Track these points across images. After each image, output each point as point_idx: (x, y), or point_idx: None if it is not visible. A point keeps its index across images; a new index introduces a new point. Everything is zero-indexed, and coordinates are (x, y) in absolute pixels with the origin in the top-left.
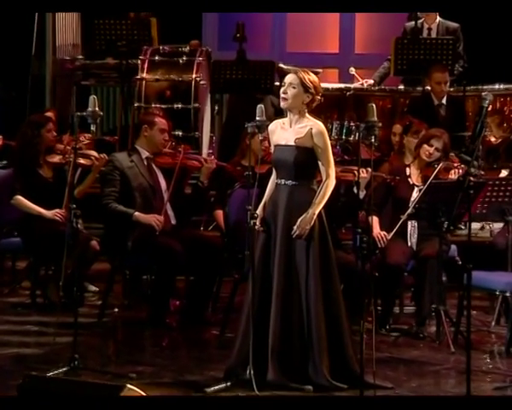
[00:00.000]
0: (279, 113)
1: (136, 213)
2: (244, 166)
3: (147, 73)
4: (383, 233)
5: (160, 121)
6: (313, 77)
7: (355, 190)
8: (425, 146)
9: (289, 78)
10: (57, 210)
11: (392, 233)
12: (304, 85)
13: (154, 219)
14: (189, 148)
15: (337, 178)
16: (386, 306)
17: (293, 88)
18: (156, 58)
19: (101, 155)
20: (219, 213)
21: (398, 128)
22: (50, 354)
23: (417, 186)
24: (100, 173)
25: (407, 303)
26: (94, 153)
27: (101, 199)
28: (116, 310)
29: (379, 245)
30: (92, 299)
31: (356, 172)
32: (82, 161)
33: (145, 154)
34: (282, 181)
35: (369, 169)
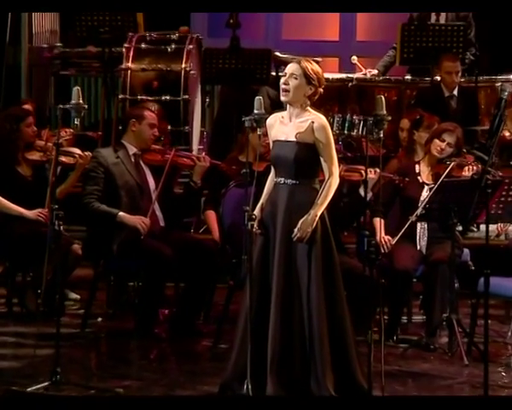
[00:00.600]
0: (276, 105)
1: (121, 214)
2: (241, 163)
3: (132, 62)
4: (387, 238)
5: (150, 115)
6: (316, 67)
7: (361, 191)
8: (436, 141)
9: (291, 67)
10: (40, 210)
11: (397, 237)
12: (307, 76)
13: (139, 221)
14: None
15: (341, 177)
16: (394, 314)
17: (295, 79)
18: (142, 46)
19: (86, 153)
20: (211, 214)
21: (406, 123)
22: (29, 368)
23: (428, 185)
24: (83, 171)
25: (416, 312)
26: (77, 150)
27: (83, 198)
28: (100, 320)
29: (382, 250)
30: (73, 308)
31: (363, 172)
32: (64, 158)
33: (132, 150)
34: (282, 180)
35: (378, 170)
